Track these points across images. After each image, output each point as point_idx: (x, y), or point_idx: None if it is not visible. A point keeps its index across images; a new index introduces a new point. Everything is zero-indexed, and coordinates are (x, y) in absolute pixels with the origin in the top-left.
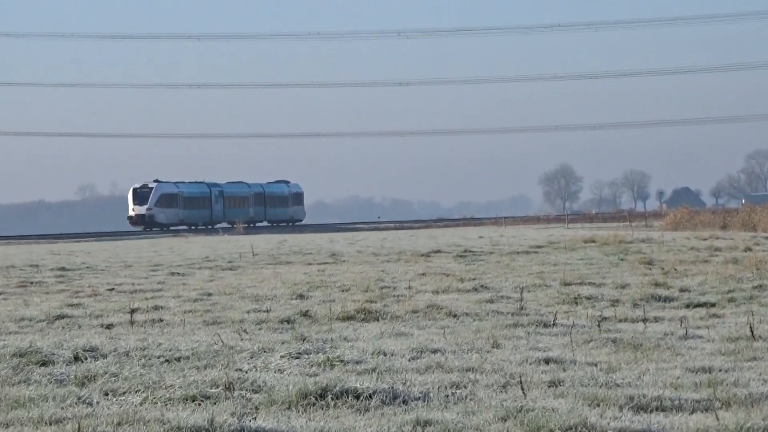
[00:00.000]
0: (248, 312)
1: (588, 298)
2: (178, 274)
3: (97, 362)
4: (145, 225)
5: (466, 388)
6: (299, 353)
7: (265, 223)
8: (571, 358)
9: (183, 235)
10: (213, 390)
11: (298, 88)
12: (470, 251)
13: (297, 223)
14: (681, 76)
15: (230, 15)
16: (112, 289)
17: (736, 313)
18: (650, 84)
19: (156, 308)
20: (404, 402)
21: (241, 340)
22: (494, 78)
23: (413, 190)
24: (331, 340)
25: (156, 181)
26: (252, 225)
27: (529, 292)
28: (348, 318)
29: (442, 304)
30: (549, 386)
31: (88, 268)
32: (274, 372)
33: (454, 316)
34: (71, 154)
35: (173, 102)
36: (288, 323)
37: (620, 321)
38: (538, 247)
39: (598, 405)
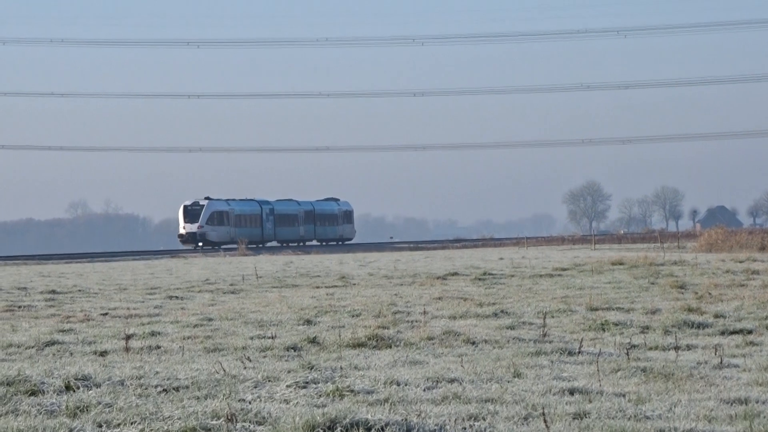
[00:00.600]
0: (252, 338)
1: (616, 324)
2: (177, 297)
3: (90, 392)
4: (196, 243)
5: (485, 420)
6: (306, 382)
7: (314, 242)
8: (597, 388)
9: (182, 256)
10: (214, 422)
11: (298, 99)
12: (489, 274)
13: (347, 242)
14: (717, 86)
15: (225, 20)
16: (106, 314)
17: None
18: (684, 95)
19: (153, 334)
20: None
21: (244, 368)
22: (516, 88)
23: (428, 208)
24: (341, 368)
25: (207, 198)
26: (302, 244)
27: (552, 317)
28: (359, 345)
29: (460, 330)
30: (574, 419)
31: (80, 291)
32: (280, 402)
33: (473, 343)
34: (62, 169)
35: (169, 113)
36: (294, 350)
37: (650, 349)
38: (563, 269)
39: None
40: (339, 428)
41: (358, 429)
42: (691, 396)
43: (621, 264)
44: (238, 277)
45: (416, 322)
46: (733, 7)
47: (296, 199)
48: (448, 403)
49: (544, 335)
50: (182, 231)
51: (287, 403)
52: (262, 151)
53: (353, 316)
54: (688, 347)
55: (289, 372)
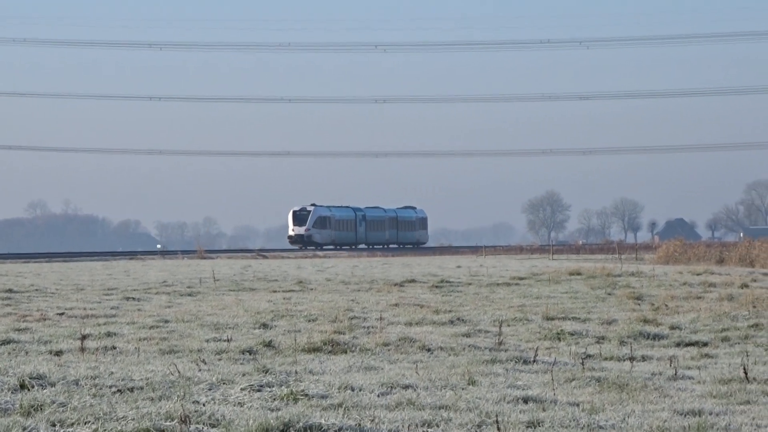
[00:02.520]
0: (207, 341)
1: (572, 334)
2: (134, 299)
3: (45, 391)
4: (303, 244)
5: (438, 426)
6: (261, 386)
7: (389, 246)
8: (551, 397)
9: (140, 257)
10: (168, 423)
11: (260, 103)
12: (447, 281)
13: (422, 246)
14: (677, 99)
15: (188, 23)
16: (63, 314)
17: (729, 353)
18: (645, 107)
19: (109, 335)
20: None
21: (199, 370)
22: (477, 97)
23: None
24: (296, 372)
25: (313, 204)
26: (387, 246)
27: (508, 326)
28: (314, 350)
29: (416, 337)
30: (527, 427)
31: (37, 290)
32: (234, 405)
33: (428, 350)
34: (21, 168)
35: (130, 115)
36: (250, 354)
37: (605, 359)
38: (520, 278)
39: None
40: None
41: None
42: (644, 407)
43: (578, 274)
44: (196, 279)
45: (372, 328)
46: (693, 21)
47: (383, 207)
48: (402, 409)
49: (500, 343)
50: (291, 233)
51: (241, 406)
52: (222, 155)
53: (309, 321)
54: (644, 358)
55: (243, 375)
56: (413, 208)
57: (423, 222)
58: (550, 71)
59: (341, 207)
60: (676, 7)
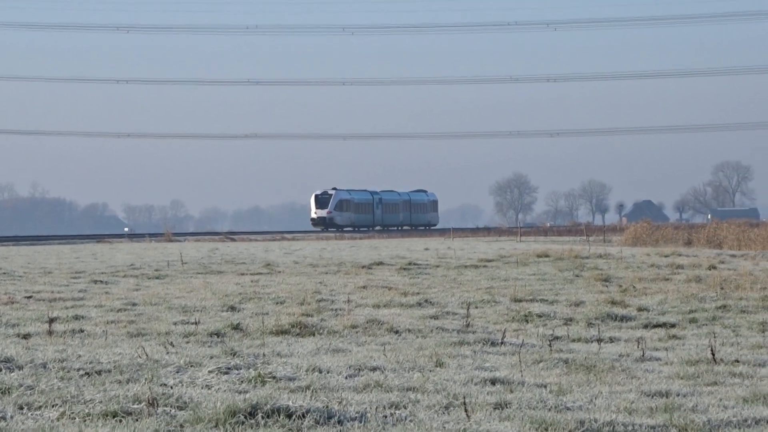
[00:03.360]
0: (175, 324)
1: (539, 316)
2: (102, 282)
3: (12, 374)
4: (325, 226)
5: (406, 408)
6: (229, 368)
7: (406, 228)
8: (519, 378)
9: (107, 240)
10: (135, 406)
11: (226, 86)
12: (415, 264)
13: (432, 227)
14: (645, 81)
15: (156, 6)
16: (30, 297)
17: (697, 334)
18: (613, 89)
19: (77, 318)
20: (339, 422)
21: (167, 353)
22: (444, 79)
23: None
24: (264, 355)
25: (334, 188)
26: (400, 228)
27: (476, 308)
28: (282, 332)
29: (383, 319)
30: (495, 408)
31: (4, 274)
32: (201, 388)
33: (396, 332)
34: None
35: (98, 98)
36: (217, 336)
37: (573, 341)
38: (488, 260)
39: (546, 429)
40: (260, 414)
41: (279, 415)
42: (612, 388)
43: (546, 256)
44: (164, 262)
45: (340, 310)
46: (661, 2)
47: (397, 191)
48: (369, 391)
49: (468, 325)
50: (314, 215)
51: (209, 389)
52: (189, 138)
53: (277, 304)
54: (611, 340)
55: (211, 358)
56: (425, 191)
57: (434, 204)
58: (517, 53)
59: (360, 191)
60: None
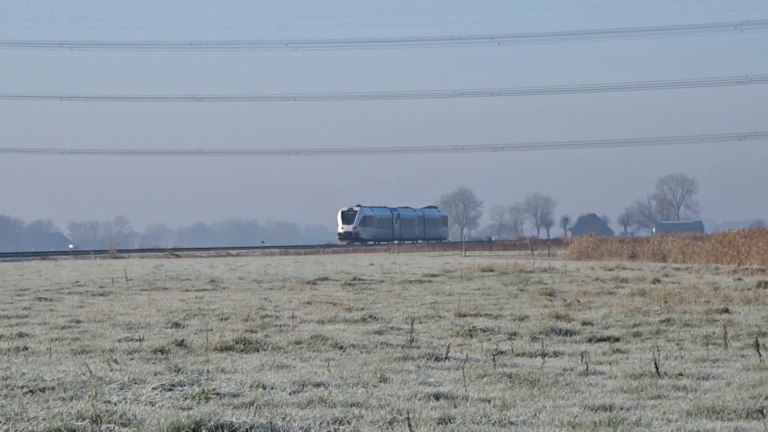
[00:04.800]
0: (119, 341)
1: (484, 331)
2: (46, 299)
3: None
4: (351, 240)
5: (349, 424)
6: (173, 385)
7: (418, 242)
8: (463, 393)
9: (52, 258)
10: (79, 423)
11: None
12: (359, 279)
13: (443, 240)
14: (589, 94)
15: (98, 23)
16: None
17: (641, 348)
18: (556, 102)
19: (20, 335)
20: None
21: (111, 370)
22: (389, 94)
23: (300, 213)
24: (208, 371)
25: (359, 205)
26: (416, 242)
27: (420, 323)
28: (226, 348)
29: (328, 335)
30: (438, 423)
31: None
32: (145, 405)
33: (340, 347)
34: None
35: (40, 114)
36: (162, 353)
37: (517, 355)
38: (433, 275)
39: None
40: (204, 430)
41: (223, 431)
42: (556, 402)
43: (491, 271)
44: (108, 279)
45: (285, 326)
46: (603, 16)
47: (412, 207)
48: (313, 406)
49: (412, 340)
50: (340, 230)
51: (153, 405)
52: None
53: (222, 320)
54: (555, 354)
55: (155, 374)
56: (436, 207)
57: (444, 220)
58: (461, 68)
59: (380, 207)
60: (586, 3)
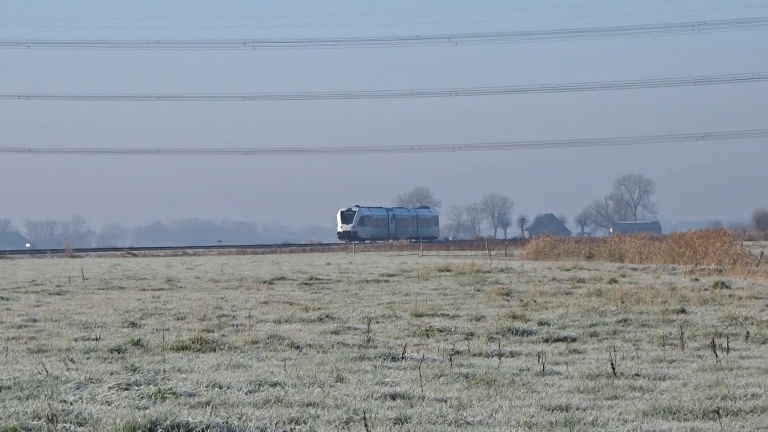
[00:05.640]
0: (76, 340)
1: (440, 331)
2: (2, 298)
3: None
4: (350, 239)
5: (305, 424)
6: (129, 384)
7: (411, 241)
8: (419, 393)
9: (9, 257)
10: (35, 422)
11: (129, 101)
12: (316, 279)
13: (434, 239)
14: (546, 94)
15: (58, 22)
16: None
17: (597, 348)
18: (514, 103)
19: None
20: None
21: (68, 369)
22: (346, 93)
23: (257, 212)
24: (164, 371)
25: (357, 206)
26: (411, 240)
27: (377, 323)
28: (183, 348)
29: (285, 334)
30: (395, 423)
31: None
32: (101, 404)
33: (297, 347)
34: None
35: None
36: (118, 352)
37: (474, 355)
38: (389, 275)
39: None
40: (160, 430)
41: (179, 431)
42: (512, 402)
43: (448, 271)
44: (65, 278)
45: (241, 326)
46: (560, 16)
47: (406, 207)
48: (270, 406)
49: (369, 340)
50: (340, 230)
51: (109, 405)
52: (91, 153)
53: (178, 320)
54: (512, 354)
55: (112, 374)
56: (428, 208)
57: (436, 220)
58: (419, 67)
59: (377, 208)
60: (544, 3)
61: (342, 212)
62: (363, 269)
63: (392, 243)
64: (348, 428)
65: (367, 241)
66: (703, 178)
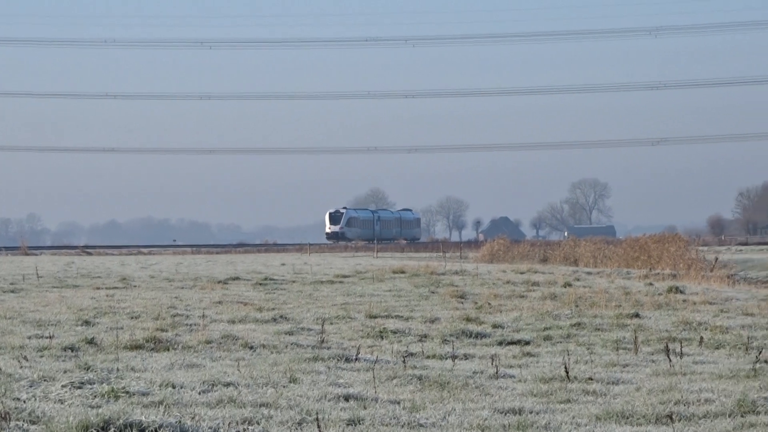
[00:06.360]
0: (29, 338)
1: (394, 332)
2: None
3: None
4: (338, 239)
5: (258, 424)
6: (82, 383)
7: (391, 242)
8: (372, 395)
9: None
10: None
11: (82, 99)
12: (271, 279)
13: (416, 240)
14: (502, 97)
15: (13, 18)
16: None
17: (551, 352)
18: (471, 105)
19: None
20: None
21: (21, 367)
22: (302, 95)
23: (212, 212)
24: (117, 369)
25: (345, 208)
26: (393, 240)
27: (331, 324)
28: (136, 347)
29: (238, 334)
30: (348, 425)
31: None
32: (55, 402)
33: (251, 347)
34: None
35: None
36: (72, 351)
37: (428, 357)
38: (344, 276)
39: None
40: (113, 429)
41: (132, 430)
42: (465, 405)
43: (402, 272)
44: (19, 276)
45: (195, 325)
46: (516, 19)
47: (391, 210)
48: (223, 406)
49: (322, 341)
50: (328, 230)
51: (62, 403)
52: (45, 151)
53: (132, 318)
54: (466, 357)
55: (65, 372)
56: (410, 210)
57: (418, 222)
58: (375, 69)
59: (363, 209)
60: (502, 6)
61: (330, 213)
62: (318, 270)
63: (346, 244)
64: (301, 429)
65: (353, 242)
66: (659, 183)
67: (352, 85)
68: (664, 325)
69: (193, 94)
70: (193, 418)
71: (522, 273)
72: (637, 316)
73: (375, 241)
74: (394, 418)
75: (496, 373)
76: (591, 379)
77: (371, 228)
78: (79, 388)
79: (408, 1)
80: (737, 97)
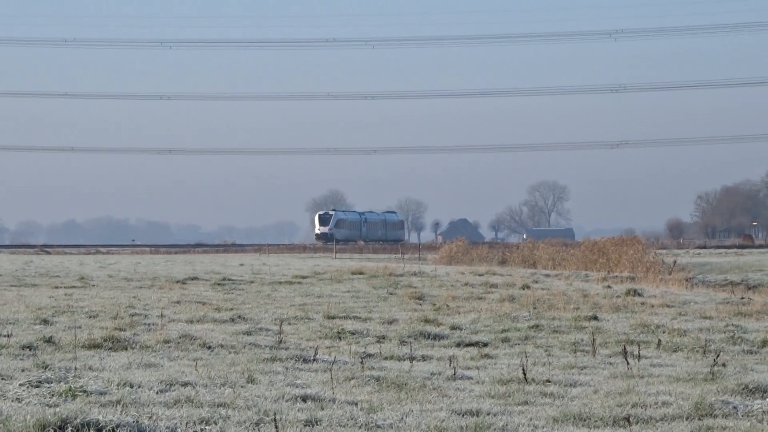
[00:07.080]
0: None
1: (352, 333)
2: None
3: None
4: (327, 240)
5: (216, 424)
6: (40, 382)
7: (379, 244)
8: (330, 396)
9: None
10: None
11: (43, 98)
12: (229, 279)
13: (400, 241)
14: (461, 99)
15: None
16: None
17: (509, 354)
18: (429, 107)
19: None
20: None
21: None
22: (262, 95)
23: (171, 212)
24: (75, 369)
25: (333, 209)
26: (381, 242)
27: (289, 324)
28: (95, 346)
29: (196, 334)
30: (305, 425)
31: None
32: (12, 401)
33: (209, 347)
34: None
35: None
36: (30, 349)
37: (385, 358)
38: (303, 277)
39: None
40: (70, 428)
41: (89, 429)
42: (423, 406)
43: (361, 274)
44: None
45: (153, 325)
46: (476, 22)
47: (376, 212)
48: (180, 406)
49: (281, 342)
50: (317, 231)
51: (19, 402)
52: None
53: (90, 317)
54: (424, 358)
55: (23, 371)
56: (394, 212)
57: (402, 224)
58: (335, 70)
59: (351, 211)
60: (462, 8)
61: (320, 215)
62: (276, 271)
63: (305, 245)
64: (258, 429)
65: (341, 242)
66: (618, 186)
67: (312, 86)
68: (622, 328)
69: (152, 94)
70: (150, 417)
71: (480, 275)
72: (595, 318)
73: (363, 242)
74: (352, 418)
75: (454, 374)
76: (549, 381)
77: (359, 230)
78: (37, 386)
79: (368, 3)
80: (697, 100)
